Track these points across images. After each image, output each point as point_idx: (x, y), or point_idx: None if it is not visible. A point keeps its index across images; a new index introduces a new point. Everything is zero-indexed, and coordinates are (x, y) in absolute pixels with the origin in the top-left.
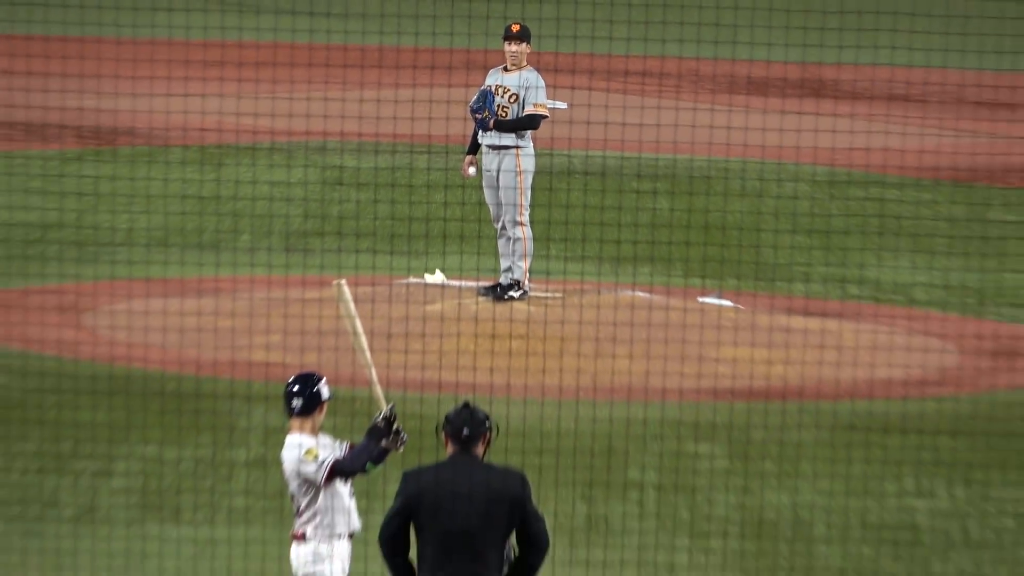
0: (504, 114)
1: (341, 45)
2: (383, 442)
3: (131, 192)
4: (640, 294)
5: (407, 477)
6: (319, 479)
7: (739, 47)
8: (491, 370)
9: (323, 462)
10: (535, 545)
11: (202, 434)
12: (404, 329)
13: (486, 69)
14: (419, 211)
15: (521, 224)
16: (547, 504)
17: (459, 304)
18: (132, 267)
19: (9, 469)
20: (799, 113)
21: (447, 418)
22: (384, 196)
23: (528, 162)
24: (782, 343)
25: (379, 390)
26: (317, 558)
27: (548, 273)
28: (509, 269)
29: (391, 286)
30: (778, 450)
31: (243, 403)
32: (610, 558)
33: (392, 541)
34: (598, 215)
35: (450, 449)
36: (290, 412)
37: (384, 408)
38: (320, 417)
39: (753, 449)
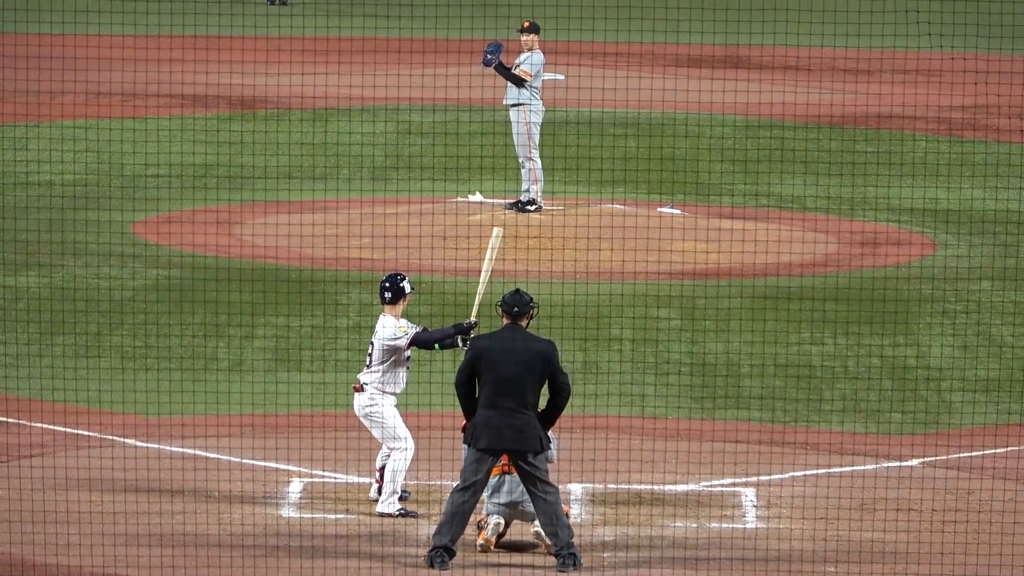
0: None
1: (408, 37)
2: (457, 337)
3: (265, 141)
4: (617, 206)
5: (473, 340)
6: (403, 344)
7: (681, 34)
8: (515, 260)
9: (408, 334)
10: (561, 392)
11: (315, 308)
12: (455, 232)
13: (508, 53)
14: (463, 151)
15: (531, 159)
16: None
17: (492, 215)
18: (267, 193)
19: (182, 335)
20: (723, 79)
21: (503, 298)
22: (439, 141)
23: (535, 116)
24: (716, 238)
25: (476, 306)
26: (372, 402)
27: (553, 193)
28: (527, 191)
29: (445, 203)
30: (715, 313)
31: (344, 286)
32: (600, 391)
33: (463, 386)
34: (587, 152)
35: (505, 321)
36: (383, 300)
37: (471, 319)
38: (404, 305)
39: (697, 312)
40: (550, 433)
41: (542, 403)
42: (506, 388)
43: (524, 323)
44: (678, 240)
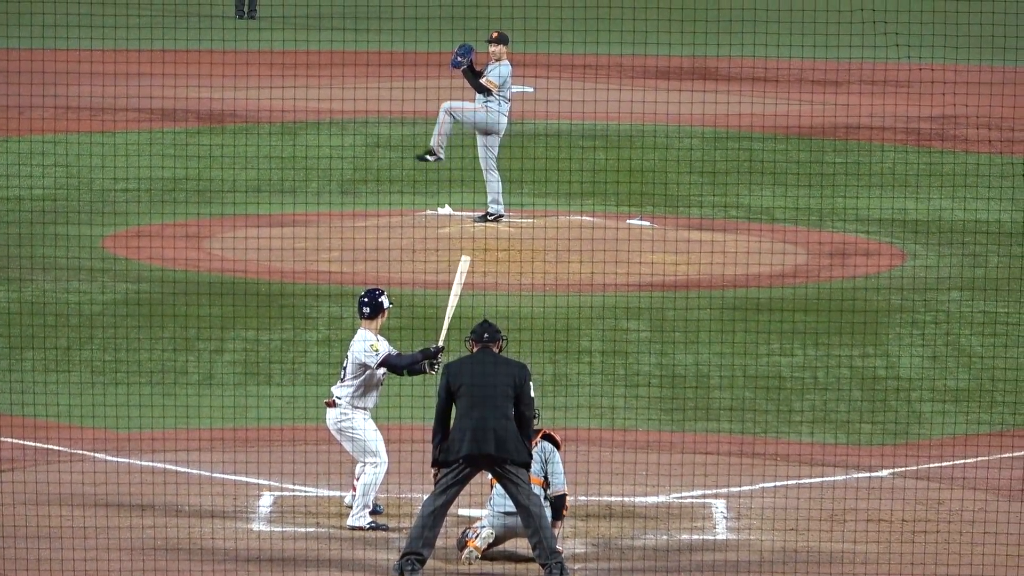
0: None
1: (376, 51)
2: (424, 363)
3: (234, 155)
4: (586, 218)
5: (447, 365)
6: (374, 364)
7: (649, 46)
8: (484, 273)
9: (380, 354)
10: (523, 424)
11: (285, 322)
12: (424, 246)
13: (477, 65)
14: (432, 165)
15: (489, 170)
16: None
17: (461, 228)
18: (236, 207)
19: (152, 349)
20: (692, 91)
21: (472, 330)
22: (408, 154)
23: (495, 127)
24: (685, 250)
25: (444, 331)
26: (344, 416)
27: (522, 205)
28: (495, 201)
29: (414, 216)
30: (684, 325)
31: (313, 300)
32: (570, 403)
33: (443, 412)
34: (556, 164)
35: (475, 349)
36: (361, 315)
37: (438, 343)
38: (382, 320)
39: (667, 324)
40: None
41: None
42: (484, 404)
43: (495, 348)
44: (647, 252)
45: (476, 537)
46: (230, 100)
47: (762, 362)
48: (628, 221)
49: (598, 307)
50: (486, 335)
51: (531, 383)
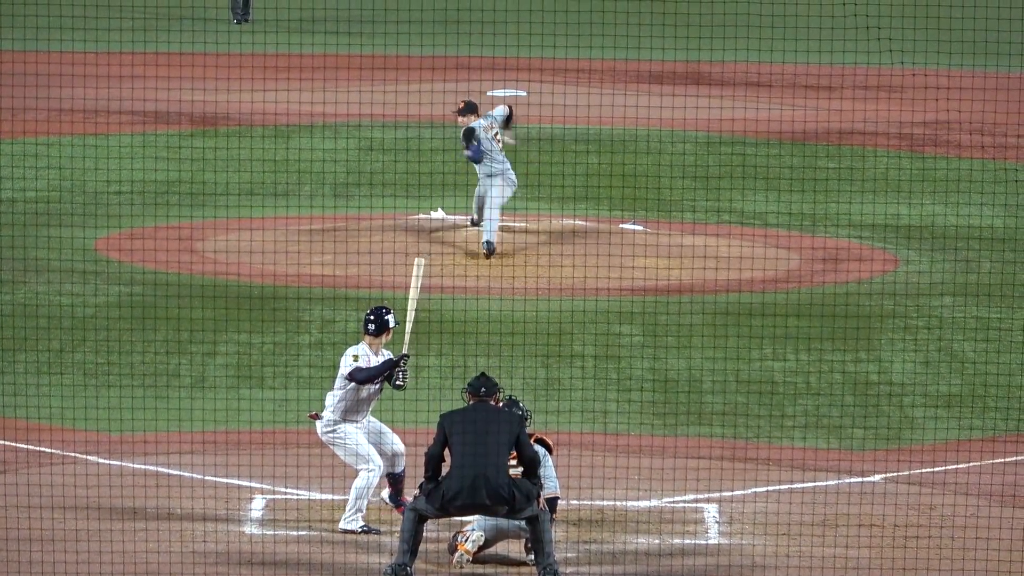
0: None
1: (370, 54)
2: (397, 372)
3: (227, 158)
4: (579, 222)
5: (443, 415)
6: (344, 375)
7: (642, 51)
8: (477, 276)
9: (350, 367)
10: (529, 463)
11: (278, 325)
12: (417, 249)
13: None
14: (425, 168)
15: (494, 208)
16: (518, 370)
17: (454, 231)
18: (229, 210)
19: (144, 352)
20: (685, 96)
21: (469, 383)
22: (401, 157)
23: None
24: (678, 255)
25: (407, 342)
26: (329, 427)
27: (515, 209)
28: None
29: (407, 220)
30: (677, 329)
31: (306, 303)
32: (562, 407)
33: (435, 457)
34: (549, 168)
35: (472, 401)
36: (365, 330)
37: (403, 352)
38: (386, 338)
39: (659, 329)
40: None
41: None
42: (478, 455)
43: (492, 402)
44: (640, 256)
45: (466, 540)
46: (223, 103)
47: (755, 367)
48: (621, 225)
49: (591, 311)
50: (483, 389)
51: (525, 429)
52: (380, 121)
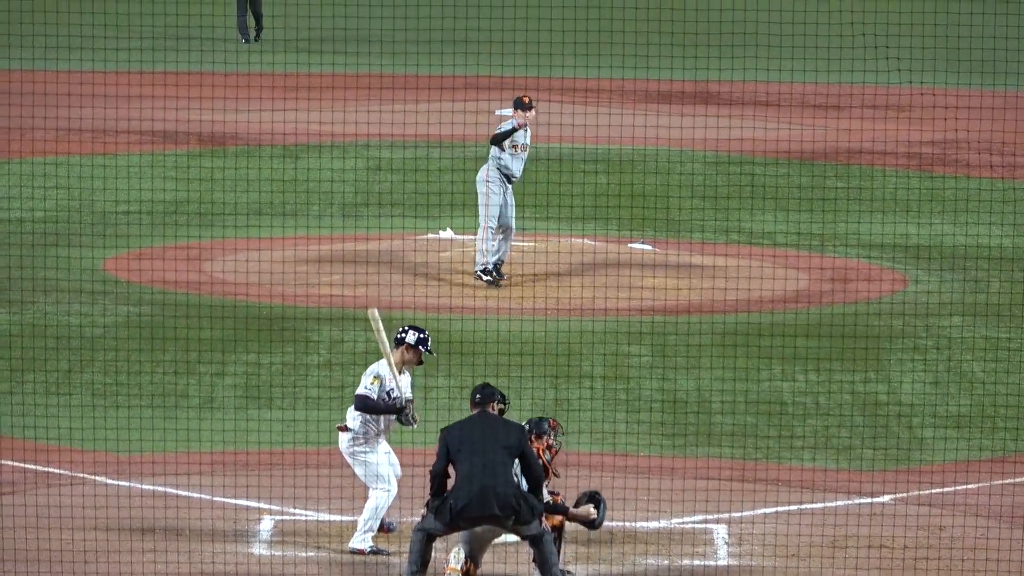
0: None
1: (379, 73)
2: (404, 415)
3: (236, 178)
4: (588, 242)
5: (443, 430)
6: (357, 393)
7: (651, 70)
8: (485, 296)
9: (362, 387)
10: (536, 472)
11: (286, 345)
12: (426, 270)
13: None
14: (434, 187)
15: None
16: (527, 391)
17: (463, 252)
18: (237, 230)
19: (153, 372)
20: (693, 115)
21: (472, 393)
22: (409, 177)
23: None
24: (687, 274)
25: (395, 383)
26: (354, 443)
27: (524, 229)
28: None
29: (415, 240)
30: (686, 349)
31: (315, 323)
32: (571, 428)
33: (439, 475)
34: (557, 188)
35: (474, 411)
36: (395, 344)
37: (403, 397)
38: (407, 355)
39: (668, 349)
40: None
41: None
42: (480, 464)
43: (491, 409)
44: (649, 276)
45: (452, 560)
46: (232, 122)
47: (764, 387)
48: (630, 245)
49: (599, 331)
50: (478, 396)
51: (528, 441)
52: (388, 140)
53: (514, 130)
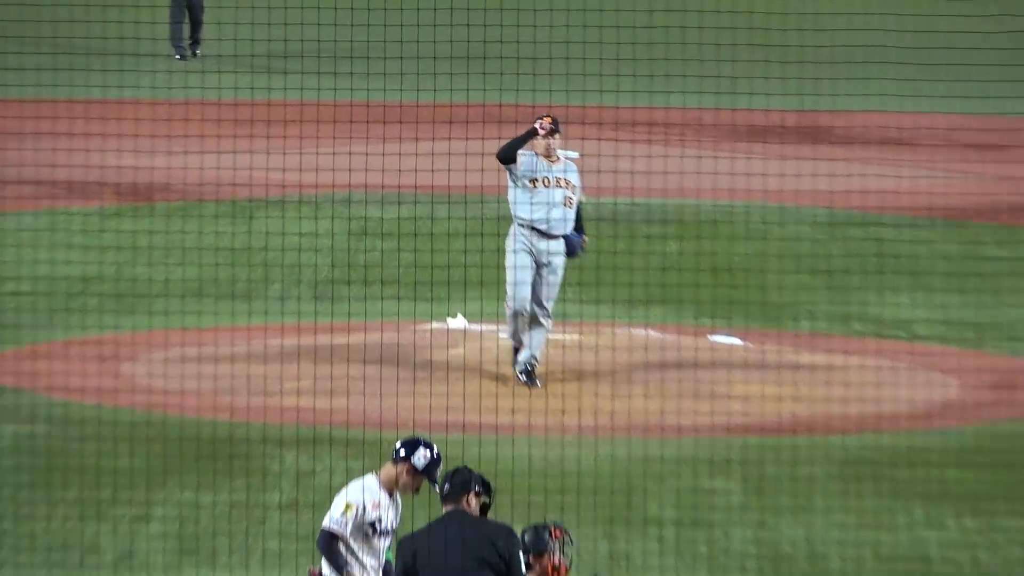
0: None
1: (363, 102)
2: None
3: (167, 245)
4: (653, 334)
5: (402, 543)
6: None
7: (738, 97)
8: (512, 410)
9: (329, 519)
10: None
11: (236, 479)
12: (428, 373)
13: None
14: (440, 259)
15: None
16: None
17: (480, 347)
18: (169, 317)
19: (51, 516)
20: (797, 158)
21: (440, 481)
22: (407, 245)
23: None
24: (791, 379)
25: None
26: None
27: (565, 315)
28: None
29: (415, 331)
30: (791, 484)
31: (275, 447)
32: None
33: None
34: (611, 259)
35: (444, 509)
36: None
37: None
38: (404, 477)
39: (767, 484)
40: None
41: None
42: None
43: (470, 507)
44: (738, 382)
45: None
46: (161, 169)
47: (901, 537)
48: (711, 338)
49: (671, 459)
50: (447, 487)
51: (518, 554)
52: (378, 193)
53: (529, 135)
